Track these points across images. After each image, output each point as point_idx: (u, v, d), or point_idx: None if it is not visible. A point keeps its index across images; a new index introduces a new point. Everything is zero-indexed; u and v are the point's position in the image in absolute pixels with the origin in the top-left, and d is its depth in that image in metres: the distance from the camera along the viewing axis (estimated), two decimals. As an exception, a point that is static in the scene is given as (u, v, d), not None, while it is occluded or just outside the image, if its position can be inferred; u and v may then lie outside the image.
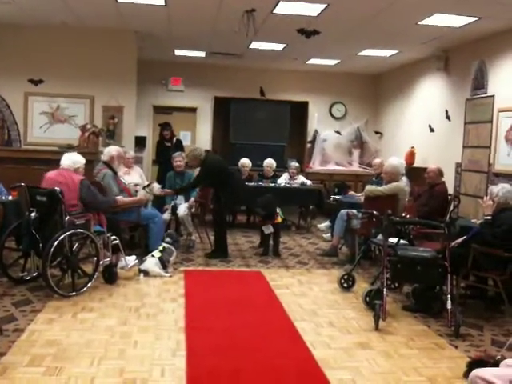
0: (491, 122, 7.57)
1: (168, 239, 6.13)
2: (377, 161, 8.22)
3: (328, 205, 8.89)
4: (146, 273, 5.72)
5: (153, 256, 5.84)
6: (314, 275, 6.21)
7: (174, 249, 6.04)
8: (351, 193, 8.53)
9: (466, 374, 3.20)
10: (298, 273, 6.28)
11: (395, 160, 6.65)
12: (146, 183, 7.27)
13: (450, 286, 4.53)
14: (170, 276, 5.82)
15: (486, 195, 5.26)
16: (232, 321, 4.51)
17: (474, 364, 3.20)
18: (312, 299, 5.25)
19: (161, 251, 5.88)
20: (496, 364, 2.90)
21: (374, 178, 7.80)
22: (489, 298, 5.30)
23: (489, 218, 4.86)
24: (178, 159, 7.50)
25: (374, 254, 6.85)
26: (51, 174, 5.35)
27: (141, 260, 5.92)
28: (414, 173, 8.56)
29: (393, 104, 11.26)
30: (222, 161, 7.16)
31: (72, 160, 5.41)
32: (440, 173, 6.60)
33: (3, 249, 5.24)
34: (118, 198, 5.97)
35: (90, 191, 5.28)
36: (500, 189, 4.88)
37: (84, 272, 5.18)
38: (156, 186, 6.98)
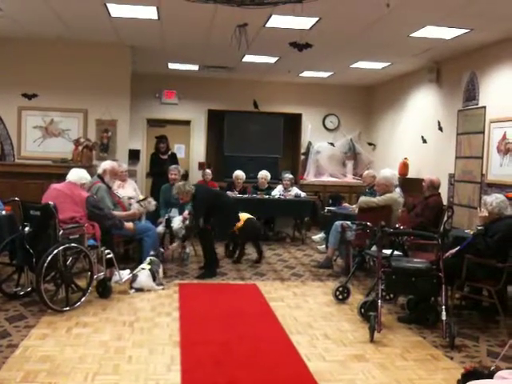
0: (483, 132, 7.63)
1: (152, 252, 6.10)
2: (365, 173, 8.25)
3: (322, 216, 8.90)
4: (140, 289, 5.68)
5: (143, 269, 5.81)
6: (308, 287, 6.20)
7: (159, 261, 6.03)
8: (345, 204, 8.54)
9: (459, 385, 3.20)
10: (292, 285, 6.27)
11: (388, 171, 6.70)
12: (141, 197, 7.26)
13: (445, 297, 4.53)
14: (163, 289, 5.80)
15: (480, 206, 5.29)
16: (227, 334, 4.49)
17: (468, 376, 3.19)
18: (307, 311, 5.24)
19: (149, 263, 5.86)
20: (490, 375, 2.90)
21: (367, 190, 7.81)
22: (483, 308, 5.30)
23: (481, 228, 4.88)
24: (174, 172, 7.53)
25: (369, 265, 6.85)
26: (57, 185, 5.49)
27: (132, 275, 5.87)
28: (407, 184, 8.61)
29: (385, 115, 11.32)
30: (209, 190, 7.29)
31: (79, 176, 5.56)
32: (432, 185, 6.56)
33: (-4, 264, 5.23)
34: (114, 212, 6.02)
35: (95, 208, 5.45)
36: (494, 199, 4.90)
37: (78, 286, 5.15)
38: (152, 202, 7.00)
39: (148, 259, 5.92)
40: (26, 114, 8.64)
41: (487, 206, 4.90)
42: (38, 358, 3.84)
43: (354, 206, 7.86)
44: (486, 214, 4.92)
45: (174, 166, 7.77)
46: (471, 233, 5.54)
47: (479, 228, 4.97)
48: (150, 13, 6.66)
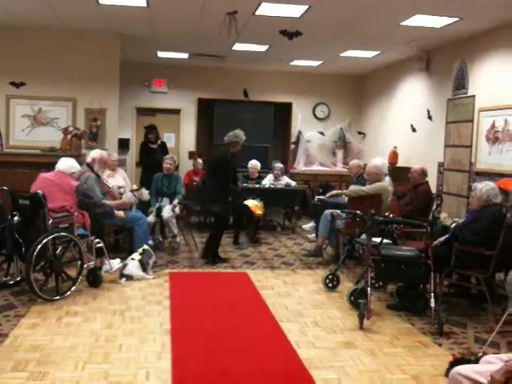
0: (472, 121, 7.66)
1: (151, 242, 6.10)
2: (351, 163, 8.23)
3: (312, 205, 8.92)
4: (130, 277, 5.68)
5: (133, 259, 5.81)
6: (299, 276, 6.23)
7: (152, 252, 6.03)
8: (332, 193, 8.26)
9: (448, 373, 3.23)
10: (283, 273, 6.29)
11: (378, 160, 6.71)
12: (135, 187, 7.26)
13: (434, 285, 4.58)
14: (154, 278, 5.81)
15: (470, 192, 5.33)
16: (218, 322, 4.51)
17: (456, 363, 3.23)
18: (297, 299, 5.27)
19: (141, 254, 5.86)
20: (477, 361, 2.93)
21: (354, 179, 7.80)
22: (472, 295, 5.35)
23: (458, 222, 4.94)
24: (169, 162, 7.55)
25: (359, 253, 6.89)
26: (47, 174, 5.46)
27: (122, 265, 5.87)
28: (397, 172, 8.62)
29: (375, 104, 11.33)
30: None
31: (68, 165, 5.53)
32: (423, 173, 6.65)
33: (-14, 254, 5.21)
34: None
35: (85, 197, 5.43)
36: (484, 185, 4.95)
37: (68, 276, 5.14)
38: (145, 192, 7.03)
39: (141, 249, 5.91)
40: (15, 103, 8.55)
41: (477, 192, 4.94)
42: (28, 347, 3.84)
43: (344, 191, 7.76)
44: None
45: (169, 156, 7.78)
46: (460, 221, 5.58)
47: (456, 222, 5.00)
48: (138, 0, 6.60)
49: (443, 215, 4.85)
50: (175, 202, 7.27)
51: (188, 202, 7.75)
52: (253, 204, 7.80)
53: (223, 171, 6.67)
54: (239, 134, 6.71)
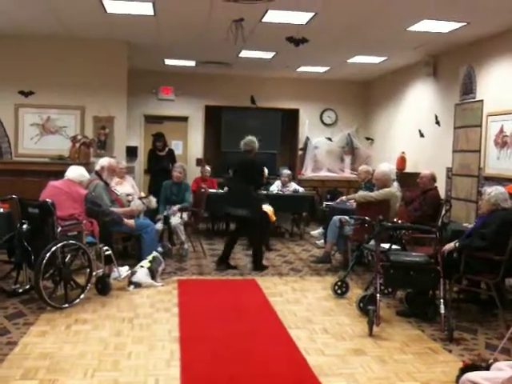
0: (480, 126, 7.63)
1: (160, 249, 6.11)
2: (360, 168, 8.20)
3: (321, 211, 8.90)
4: (138, 284, 5.69)
5: (142, 267, 5.81)
6: (307, 282, 6.21)
7: (162, 259, 6.03)
8: (342, 198, 8.28)
9: (458, 380, 3.21)
10: (291, 280, 6.28)
11: (385, 166, 6.70)
12: (143, 195, 7.28)
13: (443, 291, 4.55)
14: (162, 285, 5.81)
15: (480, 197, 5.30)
16: (226, 329, 4.50)
17: (466, 370, 3.20)
18: (306, 306, 5.25)
19: (150, 261, 5.86)
20: (488, 368, 2.91)
21: (363, 185, 7.78)
22: (482, 301, 5.32)
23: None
24: (179, 170, 7.62)
25: (367, 259, 6.86)
26: (56, 182, 5.48)
27: (131, 272, 5.88)
28: (405, 178, 8.61)
29: (383, 110, 11.32)
30: None
31: (77, 173, 5.56)
32: (433, 178, 6.63)
33: (-5, 261, 5.23)
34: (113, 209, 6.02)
35: (93, 205, 5.47)
36: (494, 189, 4.96)
37: (77, 283, 5.15)
38: (153, 200, 7.07)
39: (150, 257, 5.91)
40: (23, 112, 8.61)
41: (485, 196, 4.93)
42: (38, 354, 3.85)
43: (351, 196, 7.67)
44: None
45: (178, 165, 7.85)
46: (469, 226, 5.55)
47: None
48: (145, 8, 6.64)
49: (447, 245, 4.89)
50: (175, 208, 7.28)
51: (196, 210, 7.74)
52: (269, 210, 7.78)
53: (258, 176, 6.88)
54: (255, 139, 6.77)
